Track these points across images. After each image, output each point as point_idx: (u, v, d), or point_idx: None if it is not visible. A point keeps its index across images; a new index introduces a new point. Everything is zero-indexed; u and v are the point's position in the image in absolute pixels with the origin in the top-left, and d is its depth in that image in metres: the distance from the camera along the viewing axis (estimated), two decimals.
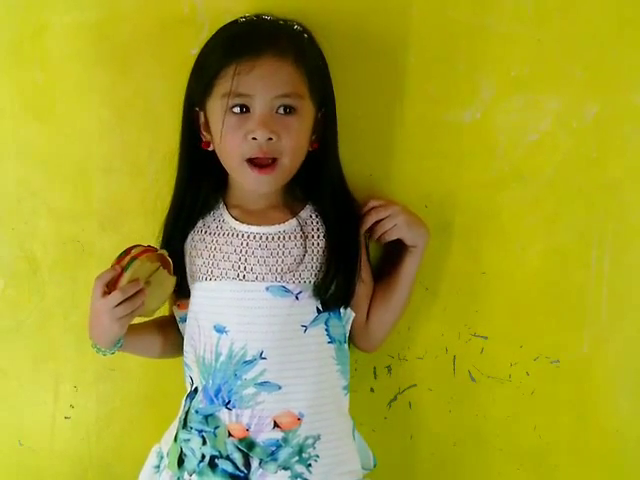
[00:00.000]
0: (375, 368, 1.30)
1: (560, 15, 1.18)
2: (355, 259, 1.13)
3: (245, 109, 1.04)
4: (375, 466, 1.22)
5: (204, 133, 1.11)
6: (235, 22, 1.09)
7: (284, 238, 1.09)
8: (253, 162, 1.06)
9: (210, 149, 1.10)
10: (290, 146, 1.05)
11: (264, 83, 1.03)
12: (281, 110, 1.04)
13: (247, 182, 1.09)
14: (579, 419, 1.31)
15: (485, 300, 1.27)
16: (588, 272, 1.25)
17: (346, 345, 1.15)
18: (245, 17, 1.10)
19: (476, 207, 1.24)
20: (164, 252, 1.09)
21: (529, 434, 1.31)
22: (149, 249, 1.07)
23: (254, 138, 1.03)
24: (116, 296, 1.03)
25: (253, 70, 1.02)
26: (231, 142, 1.05)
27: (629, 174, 1.22)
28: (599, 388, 1.30)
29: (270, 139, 1.03)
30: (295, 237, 1.10)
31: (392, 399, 1.31)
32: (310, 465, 1.09)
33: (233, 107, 1.04)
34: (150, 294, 1.06)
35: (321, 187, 1.12)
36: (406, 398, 1.31)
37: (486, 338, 1.28)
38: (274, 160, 1.05)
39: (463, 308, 1.28)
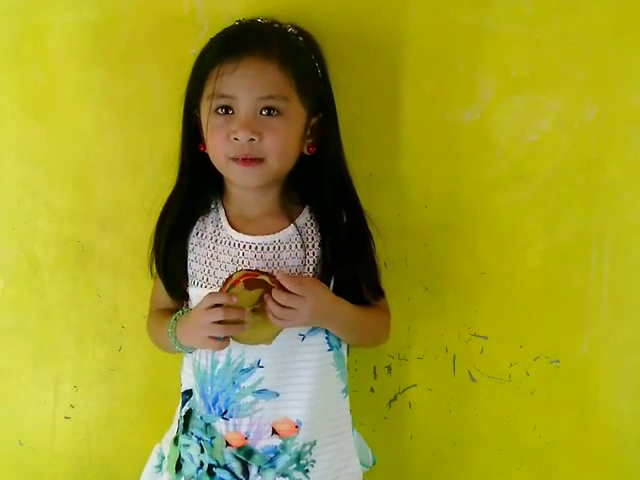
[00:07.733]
0: (375, 368, 1.30)
1: (559, 15, 1.18)
2: (368, 259, 1.12)
3: (229, 110, 1.04)
4: (374, 463, 1.22)
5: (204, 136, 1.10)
6: (231, 26, 1.09)
7: (279, 248, 1.08)
8: (238, 160, 1.05)
9: (207, 151, 1.09)
10: (274, 147, 1.04)
11: (246, 84, 1.02)
12: (265, 112, 1.03)
13: (235, 178, 1.08)
14: (579, 419, 1.31)
15: (485, 300, 1.27)
16: (588, 272, 1.25)
17: (342, 349, 1.13)
18: (240, 20, 1.10)
19: (476, 207, 1.24)
20: (266, 277, 1.02)
21: (529, 434, 1.31)
22: (249, 273, 1.03)
23: (236, 139, 1.03)
24: (218, 313, 1.00)
25: (236, 71, 1.01)
26: (215, 142, 1.05)
27: (629, 174, 1.23)
28: (599, 388, 1.30)
29: (252, 139, 1.03)
30: (290, 247, 1.08)
31: (392, 399, 1.31)
32: (307, 471, 1.09)
33: (217, 108, 1.04)
34: (258, 323, 1.02)
35: (320, 192, 1.11)
36: (406, 398, 1.31)
37: (486, 338, 1.28)
38: (260, 160, 1.04)
39: (463, 308, 1.28)
